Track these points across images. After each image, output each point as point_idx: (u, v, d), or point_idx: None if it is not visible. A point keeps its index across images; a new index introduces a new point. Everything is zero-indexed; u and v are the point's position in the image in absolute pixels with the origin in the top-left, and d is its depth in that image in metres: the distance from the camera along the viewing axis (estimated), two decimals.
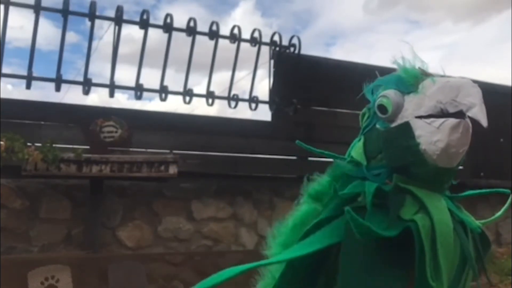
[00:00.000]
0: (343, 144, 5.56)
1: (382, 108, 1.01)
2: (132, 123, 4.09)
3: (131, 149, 4.14)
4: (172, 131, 4.31)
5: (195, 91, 4.44)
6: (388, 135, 1.01)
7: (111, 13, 4.16)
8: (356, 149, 1.11)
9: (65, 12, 3.92)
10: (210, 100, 4.47)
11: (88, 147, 3.91)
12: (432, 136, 0.93)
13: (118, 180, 3.97)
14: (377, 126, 1.04)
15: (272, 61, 4.77)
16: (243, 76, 5.24)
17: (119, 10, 4.08)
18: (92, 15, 4.00)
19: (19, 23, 5.47)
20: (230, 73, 4.61)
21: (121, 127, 4.02)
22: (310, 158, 4.83)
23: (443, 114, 0.94)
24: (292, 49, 4.77)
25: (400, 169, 0.99)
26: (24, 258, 3.71)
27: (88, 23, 4.06)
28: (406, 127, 0.97)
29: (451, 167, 0.99)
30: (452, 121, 0.92)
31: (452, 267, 0.96)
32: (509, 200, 1.24)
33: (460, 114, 0.93)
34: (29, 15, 3.86)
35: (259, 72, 4.83)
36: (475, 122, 0.98)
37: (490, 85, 5.83)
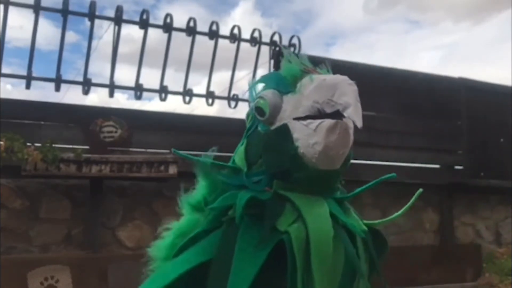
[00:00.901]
0: None
1: (260, 110, 0.94)
2: (132, 123, 4.08)
3: (131, 149, 4.14)
4: (172, 131, 4.30)
5: (195, 91, 4.44)
6: (267, 139, 0.94)
7: (111, 13, 4.17)
8: (238, 154, 1.02)
9: (64, 12, 3.92)
10: (210, 100, 4.47)
11: (88, 147, 3.91)
12: (309, 139, 0.88)
13: (118, 180, 3.97)
14: (259, 128, 0.97)
15: (272, 61, 4.77)
16: (243, 76, 5.24)
17: (119, 10, 4.08)
18: (91, 15, 4.00)
19: (19, 22, 5.48)
20: (230, 73, 4.62)
21: (121, 127, 4.02)
22: None
23: (320, 114, 0.88)
24: (292, 49, 4.77)
25: (281, 174, 0.93)
26: (24, 258, 3.71)
27: (88, 23, 4.06)
28: (284, 130, 0.91)
29: (334, 169, 0.93)
30: (328, 122, 0.86)
31: (334, 277, 0.90)
32: (414, 196, 1.16)
33: (337, 114, 0.87)
34: (29, 15, 3.86)
35: (259, 72, 4.83)
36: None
37: (490, 85, 5.84)
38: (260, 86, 1.02)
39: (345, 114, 0.86)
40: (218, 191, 0.98)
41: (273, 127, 0.94)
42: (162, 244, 1.03)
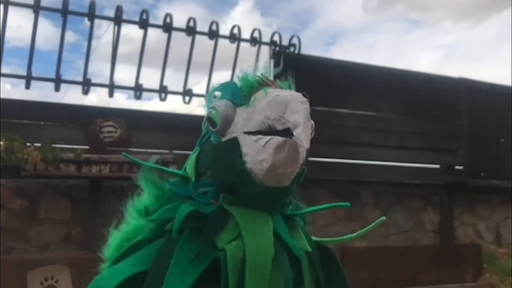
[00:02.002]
0: (343, 144, 5.57)
1: (211, 121, 0.92)
2: (131, 123, 4.08)
3: (130, 149, 4.13)
4: (172, 131, 4.30)
5: (195, 91, 4.44)
6: (216, 150, 0.92)
7: (110, 13, 4.16)
8: (190, 163, 1.00)
9: (64, 12, 3.91)
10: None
11: (87, 147, 3.91)
12: (257, 155, 0.85)
13: (118, 180, 3.96)
14: (211, 138, 0.95)
15: (272, 61, 4.77)
16: None
17: (119, 10, 4.08)
18: (91, 15, 4.00)
19: (17, 22, 5.47)
20: (230, 73, 4.61)
21: (120, 127, 4.01)
22: (310, 159, 4.83)
23: (271, 131, 0.86)
24: (292, 49, 4.77)
25: (228, 188, 0.90)
26: (23, 258, 3.70)
27: (87, 22, 4.06)
28: (234, 143, 0.89)
29: (282, 186, 0.90)
30: (277, 140, 0.84)
31: None
32: (375, 222, 1.13)
33: (287, 132, 0.85)
34: (28, 14, 3.86)
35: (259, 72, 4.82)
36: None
37: (490, 85, 5.83)
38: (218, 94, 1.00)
39: (294, 133, 0.84)
40: (164, 200, 0.96)
41: (224, 139, 0.92)
42: (110, 244, 1.01)
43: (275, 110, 0.86)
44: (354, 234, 1.13)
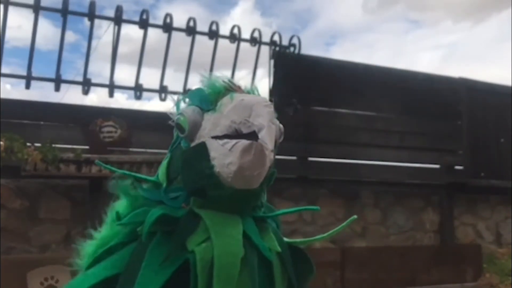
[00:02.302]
0: (343, 144, 5.56)
1: (180, 127, 0.96)
2: (131, 123, 4.08)
3: (130, 149, 4.13)
4: (172, 131, 4.29)
5: None
6: (186, 156, 0.96)
7: (110, 13, 4.17)
8: (161, 168, 1.03)
9: (64, 12, 3.91)
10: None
11: (87, 147, 3.91)
12: (225, 159, 0.88)
13: None
14: (181, 144, 0.99)
15: (272, 61, 4.77)
16: (243, 76, 5.24)
17: (119, 10, 4.08)
18: (91, 15, 4.00)
19: (17, 22, 5.47)
20: (229, 72, 4.61)
21: (120, 127, 4.01)
22: (310, 159, 4.84)
23: (237, 134, 0.88)
24: (292, 49, 4.77)
25: (198, 192, 0.93)
26: (23, 258, 3.70)
27: (87, 22, 4.06)
28: (202, 148, 0.92)
29: (251, 188, 0.92)
30: (243, 143, 0.87)
31: None
32: (346, 222, 1.15)
33: (253, 135, 0.87)
34: (27, 14, 3.86)
35: (259, 72, 4.83)
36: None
37: (490, 85, 5.84)
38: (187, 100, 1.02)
39: (259, 136, 0.87)
40: (136, 205, 0.98)
41: (192, 144, 0.95)
42: (85, 252, 1.02)
43: (241, 114, 0.88)
44: (325, 234, 1.14)
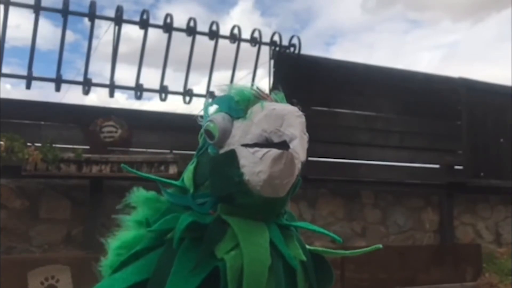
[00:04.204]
0: (343, 144, 5.57)
1: (209, 133, 0.95)
2: (132, 123, 4.08)
3: (131, 149, 4.14)
4: (172, 131, 4.30)
5: (195, 90, 4.44)
6: (214, 162, 0.95)
7: (110, 12, 4.16)
8: (187, 174, 1.02)
9: (65, 12, 3.91)
10: (210, 100, 4.47)
11: (88, 147, 3.91)
12: (255, 167, 0.88)
13: (118, 180, 3.97)
14: (209, 150, 0.98)
15: (272, 61, 4.77)
16: (243, 76, 5.24)
17: (119, 10, 4.08)
18: (92, 15, 3.99)
19: (16, 22, 5.46)
20: (229, 72, 4.62)
21: (121, 127, 4.02)
22: (310, 158, 4.84)
23: (268, 143, 0.89)
24: (292, 49, 4.77)
25: (225, 198, 0.93)
26: (24, 258, 3.71)
27: (87, 22, 4.06)
28: (231, 155, 0.92)
29: (278, 197, 0.93)
30: (274, 152, 0.87)
31: None
32: (370, 248, 1.17)
33: (284, 145, 0.88)
34: (26, 14, 3.86)
35: (259, 72, 4.83)
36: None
37: (490, 85, 5.84)
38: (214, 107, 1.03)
39: (291, 146, 0.87)
40: (162, 210, 0.98)
41: (221, 151, 0.94)
42: (107, 264, 1.02)
43: (272, 123, 0.89)
44: (348, 252, 1.17)
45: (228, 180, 0.91)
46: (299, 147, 0.88)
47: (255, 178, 0.89)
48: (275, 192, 0.91)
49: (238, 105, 0.95)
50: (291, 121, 0.89)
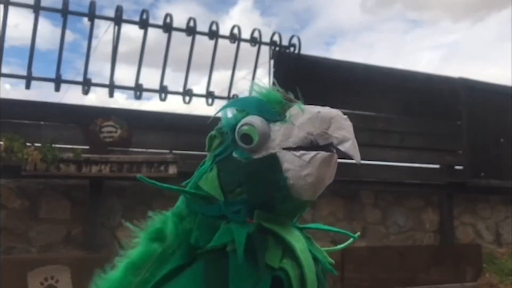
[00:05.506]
0: None
1: (247, 138, 0.89)
2: (131, 123, 4.08)
3: (130, 149, 4.13)
4: (172, 131, 4.30)
5: (194, 90, 4.44)
6: (251, 168, 0.89)
7: (109, 12, 4.17)
8: (209, 182, 0.94)
9: (64, 12, 3.91)
10: (210, 100, 4.47)
11: (87, 147, 3.91)
12: (301, 170, 0.87)
13: (118, 180, 3.97)
14: (235, 155, 0.92)
15: (272, 61, 4.77)
16: (243, 76, 5.24)
17: (119, 10, 4.08)
18: (91, 15, 3.99)
19: (14, 21, 5.45)
20: (229, 72, 4.62)
21: (120, 127, 4.01)
22: None
23: (312, 146, 0.87)
24: (292, 49, 4.77)
25: (264, 204, 0.90)
26: (23, 258, 3.70)
27: (86, 22, 4.06)
28: (273, 160, 0.88)
29: (312, 199, 0.92)
30: (323, 154, 0.87)
31: None
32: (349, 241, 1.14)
33: (329, 147, 0.87)
34: (26, 13, 3.86)
35: (259, 72, 4.83)
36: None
37: (490, 85, 5.84)
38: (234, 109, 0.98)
39: (342, 148, 0.87)
40: (196, 226, 0.92)
41: (256, 156, 0.90)
42: (112, 278, 0.95)
43: (318, 126, 0.88)
44: (341, 246, 1.15)
45: (271, 185, 0.88)
46: (354, 149, 0.88)
47: (300, 181, 0.87)
48: (314, 195, 0.91)
49: (272, 107, 0.92)
50: (340, 124, 0.88)
